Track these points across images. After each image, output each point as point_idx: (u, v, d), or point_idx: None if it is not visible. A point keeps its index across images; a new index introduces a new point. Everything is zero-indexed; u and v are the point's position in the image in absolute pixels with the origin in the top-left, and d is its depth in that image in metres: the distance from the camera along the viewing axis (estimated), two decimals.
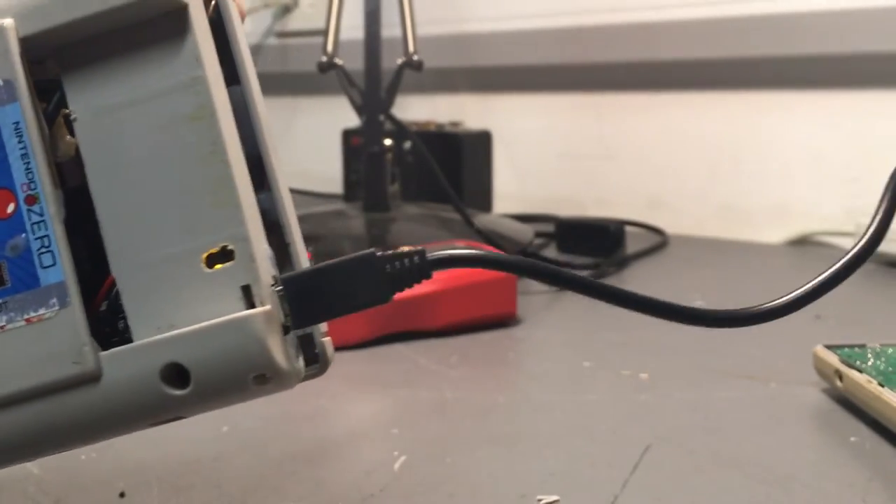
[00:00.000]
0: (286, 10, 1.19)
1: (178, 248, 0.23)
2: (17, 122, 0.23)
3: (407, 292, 0.58)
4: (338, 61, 0.72)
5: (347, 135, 0.95)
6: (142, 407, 0.23)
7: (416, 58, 0.72)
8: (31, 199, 0.23)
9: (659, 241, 0.82)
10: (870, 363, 0.40)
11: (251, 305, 0.22)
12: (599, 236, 0.76)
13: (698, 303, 0.59)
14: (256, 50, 1.22)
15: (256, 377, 0.22)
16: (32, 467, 0.35)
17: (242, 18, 0.26)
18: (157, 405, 0.22)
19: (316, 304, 0.24)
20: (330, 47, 0.72)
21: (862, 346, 0.43)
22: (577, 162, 0.99)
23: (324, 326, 0.26)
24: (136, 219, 0.23)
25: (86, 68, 0.23)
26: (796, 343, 0.48)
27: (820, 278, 0.30)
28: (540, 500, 0.32)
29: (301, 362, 0.24)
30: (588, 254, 0.75)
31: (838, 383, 0.40)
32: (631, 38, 0.91)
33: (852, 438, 0.38)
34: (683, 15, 0.87)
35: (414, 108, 1.00)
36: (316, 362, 0.26)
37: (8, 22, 0.23)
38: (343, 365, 0.49)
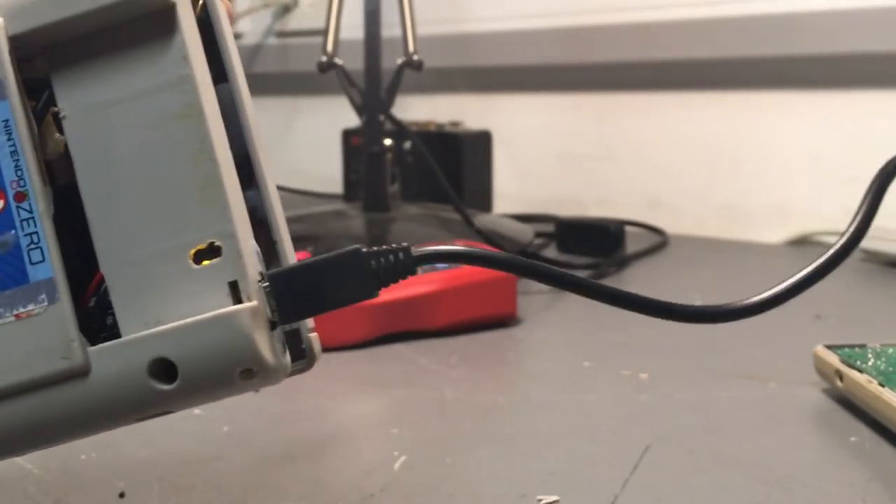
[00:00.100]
0: (286, 10, 1.19)
1: (165, 245, 0.23)
2: (7, 120, 0.23)
3: (407, 292, 0.59)
4: (338, 61, 0.72)
5: (347, 135, 0.95)
6: (130, 401, 0.23)
7: (416, 58, 0.72)
8: (21, 196, 0.23)
9: (659, 241, 0.82)
10: (870, 363, 0.40)
11: (238, 301, 0.22)
12: (599, 236, 0.76)
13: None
14: (256, 50, 1.22)
15: (243, 372, 0.22)
16: (32, 467, 0.35)
17: (231, 19, 0.26)
18: (145, 400, 0.23)
19: (302, 299, 0.24)
20: (330, 47, 0.72)
21: (862, 346, 0.43)
22: (577, 162, 0.99)
23: (310, 322, 0.26)
24: (124, 216, 0.23)
25: (75, 66, 0.23)
26: (796, 343, 0.49)
27: (802, 274, 0.30)
28: (540, 500, 0.32)
29: (287, 357, 0.24)
30: (588, 254, 0.75)
31: (838, 383, 0.40)
32: (631, 38, 0.91)
33: (852, 438, 0.38)
34: (683, 15, 0.87)
35: (414, 108, 1.00)
36: (303, 357, 0.26)
37: None
38: (343, 365, 0.49)
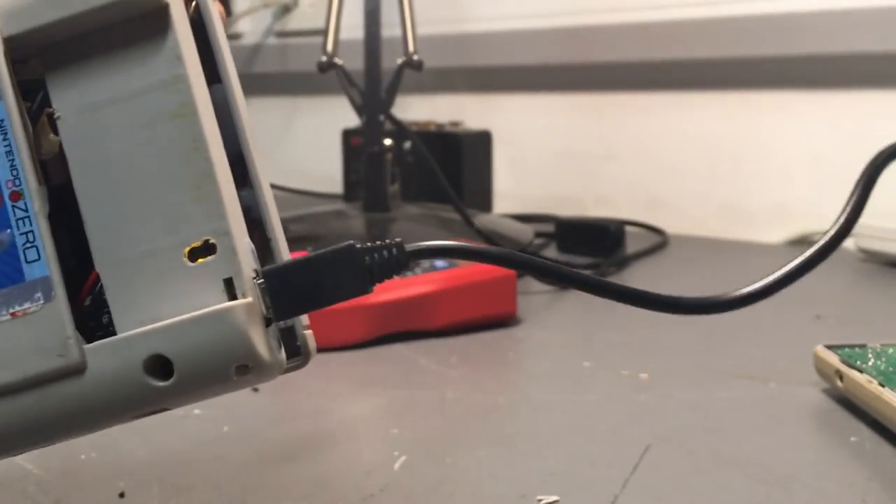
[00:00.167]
0: (286, 10, 1.19)
1: (160, 243, 0.23)
2: (2, 120, 0.23)
3: (407, 292, 0.58)
4: (338, 61, 0.72)
5: (347, 135, 0.95)
6: (126, 399, 0.23)
7: (416, 58, 0.72)
8: (16, 196, 0.23)
9: (659, 241, 0.82)
10: (870, 363, 0.40)
11: (233, 298, 0.23)
12: (599, 236, 0.76)
13: None
14: (256, 50, 1.22)
15: (238, 368, 0.22)
16: (32, 467, 0.35)
17: (224, 22, 0.26)
18: (141, 397, 0.23)
19: (297, 296, 0.24)
20: (330, 47, 0.72)
21: (862, 346, 0.43)
22: (578, 162, 0.99)
23: (305, 320, 0.26)
24: (119, 215, 0.23)
25: (69, 67, 0.24)
26: (796, 343, 0.49)
27: (793, 264, 0.30)
28: (540, 500, 0.32)
29: (283, 354, 0.24)
30: (588, 254, 0.75)
31: (838, 383, 0.40)
32: (631, 38, 0.91)
33: (852, 438, 0.38)
34: (683, 15, 0.87)
35: (414, 108, 1.00)
36: (298, 355, 0.26)
37: None
38: (343, 365, 0.49)
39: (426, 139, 0.83)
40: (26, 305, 0.23)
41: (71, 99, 0.23)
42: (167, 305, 0.23)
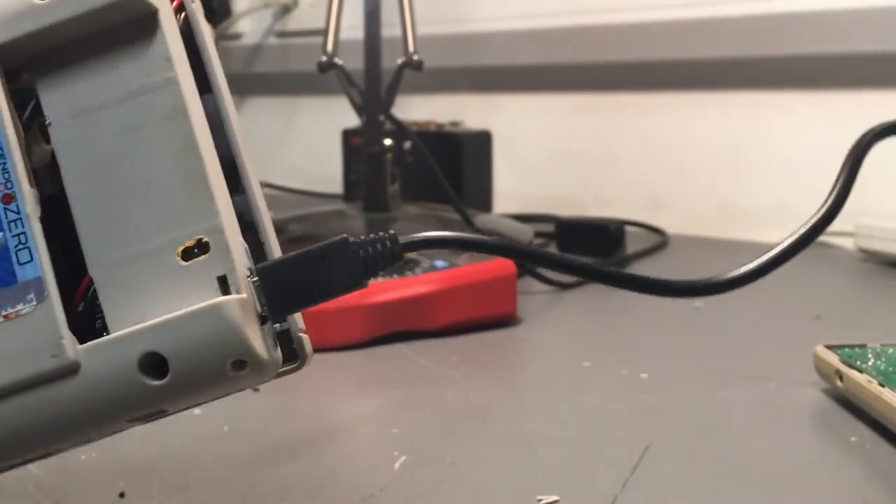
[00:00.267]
0: (286, 10, 1.19)
1: (153, 244, 0.23)
2: None
3: (407, 292, 0.58)
4: (338, 61, 0.72)
5: (347, 135, 0.95)
6: (122, 399, 0.23)
7: (416, 58, 0.72)
8: (8, 198, 0.23)
9: (659, 241, 0.82)
10: (870, 363, 0.40)
11: (227, 295, 0.23)
12: (599, 236, 0.76)
13: (697, 303, 0.59)
14: (256, 50, 1.22)
15: (234, 363, 0.22)
16: (33, 467, 0.35)
17: (212, 38, 0.27)
18: (137, 396, 0.23)
19: (292, 292, 0.24)
20: (330, 47, 0.72)
21: (862, 346, 0.43)
22: (578, 162, 0.99)
23: (301, 322, 0.26)
24: (111, 217, 0.23)
25: (59, 73, 0.24)
26: (796, 343, 0.49)
27: (783, 246, 0.31)
28: (540, 500, 0.32)
29: (279, 353, 0.24)
30: (588, 254, 0.75)
31: (838, 383, 0.40)
32: (631, 38, 0.91)
33: (852, 438, 0.38)
34: (683, 15, 0.87)
35: (414, 108, 1.00)
36: (294, 358, 0.26)
37: None
38: (343, 365, 0.49)
39: (426, 139, 0.83)
40: (19, 307, 0.23)
41: (62, 105, 0.24)
42: (161, 306, 0.23)
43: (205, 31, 0.26)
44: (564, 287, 0.64)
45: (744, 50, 0.85)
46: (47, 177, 0.24)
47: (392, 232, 0.25)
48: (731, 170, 0.90)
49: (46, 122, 0.24)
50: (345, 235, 0.25)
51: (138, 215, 0.23)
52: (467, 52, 1.01)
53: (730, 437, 0.38)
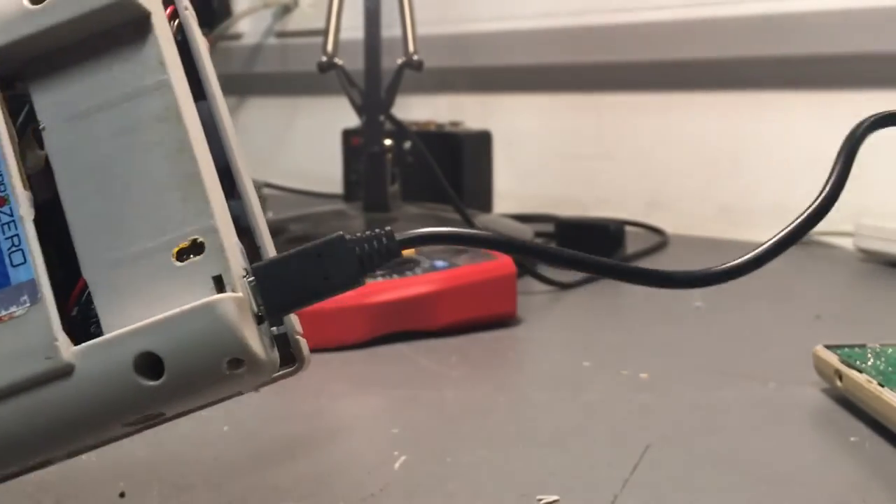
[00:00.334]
0: (286, 10, 1.19)
1: (148, 245, 0.23)
2: None
3: (407, 292, 0.58)
4: (338, 61, 0.72)
5: (347, 135, 0.95)
6: (117, 401, 0.22)
7: (416, 58, 0.71)
8: (1, 201, 0.23)
9: (659, 241, 0.82)
10: (870, 363, 0.40)
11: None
12: (599, 236, 0.76)
13: (697, 303, 0.59)
14: (256, 50, 1.22)
15: (230, 362, 0.22)
16: None
17: (208, 48, 0.27)
18: (133, 398, 0.22)
19: (288, 291, 0.24)
20: (330, 47, 0.72)
21: (862, 346, 0.43)
22: (577, 162, 0.99)
23: (298, 326, 0.26)
24: (105, 219, 0.23)
25: (52, 78, 0.24)
26: (796, 343, 0.49)
27: (778, 237, 0.31)
28: (540, 500, 0.32)
29: (276, 353, 0.24)
30: (588, 254, 0.75)
31: (838, 383, 0.40)
32: (631, 38, 0.91)
33: (852, 438, 0.38)
34: (683, 15, 0.87)
35: (414, 108, 1.00)
36: (292, 361, 0.26)
37: None
38: (343, 365, 0.49)
39: (426, 139, 0.83)
40: (12, 309, 0.23)
41: (55, 109, 0.24)
42: (156, 307, 0.22)
43: (198, 38, 0.26)
44: (564, 287, 0.64)
45: (743, 50, 0.85)
46: (41, 182, 0.24)
47: (388, 228, 0.25)
48: (730, 170, 0.90)
49: (40, 127, 0.24)
50: (341, 233, 0.25)
51: (132, 217, 0.23)
52: (467, 52, 1.01)
53: (729, 436, 0.38)
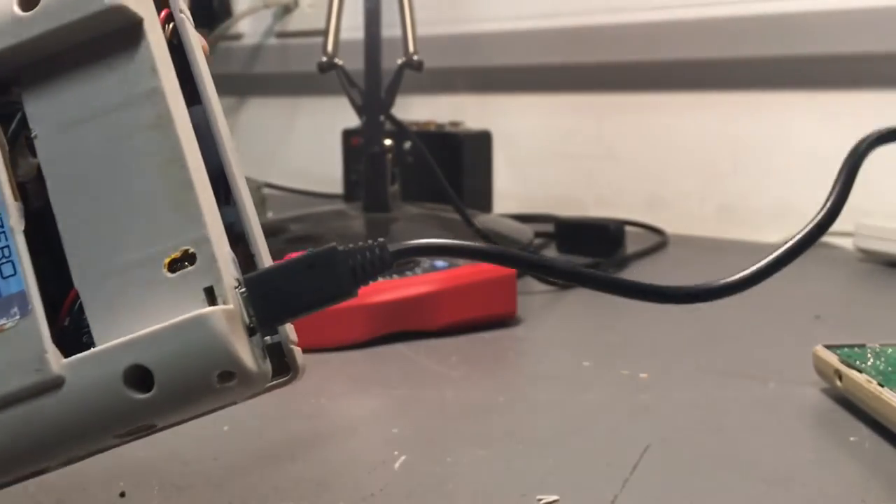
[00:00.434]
0: (286, 10, 1.19)
1: (139, 255, 0.23)
2: None
3: (407, 292, 0.58)
4: (338, 61, 0.72)
5: (347, 135, 0.95)
6: (107, 413, 0.22)
7: (416, 58, 0.72)
8: None
9: (659, 241, 0.82)
10: (869, 363, 0.40)
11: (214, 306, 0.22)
12: (599, 236, 0.76)
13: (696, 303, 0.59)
14: (257, 50, 1.22)
15: (221, 375, 0.22)
16: None
17: (205, 51, 0.26)
18: (123, 410, 0.22)
19: (280, 302, 0.24)
20: (330, 47, 0.72)
21: (862, 346, 0.43)
22: (577, 162, 0.99)
23: (293, 335, 0.26)
24: (97, 228, 0.23)
25: (44, 85, 0.23)
26: (796, 343, 0.49)
27: (776, 254, 0.31)
28: (540, 500, 0.32)
29: (268, 365, 0.24)
30: (588, 254, 0.75)
31: (838, 383, 0.41)
32: (631, 38, 0.91)
33: (852, 438, 0.38)
34: (683, 15, 0.87)
35: (414, 108, 1.00)
36: (286, 370, 0.25)
37: None
38: (343, 365, 0.49)
39: (426, 139, 0.83)
40: (2, 321, 0.22)
41: (47, 117, 0.23)
42: (147, 319, 0.22)
43: (194, 41, 0.26)
44: (564, 287, 0.64)
45: (743, 50, 0.85)
46: (34, 191, 0.24)
47: (382, 240, 0.25)
48: (730, 170, 0.90)
49: (32, 135, 0.23)
50: (334, 244, 0.24)
51: (124, 227, 0.23)
52: (467, 52, 1.01)
53: (729, 436, 0.38)
